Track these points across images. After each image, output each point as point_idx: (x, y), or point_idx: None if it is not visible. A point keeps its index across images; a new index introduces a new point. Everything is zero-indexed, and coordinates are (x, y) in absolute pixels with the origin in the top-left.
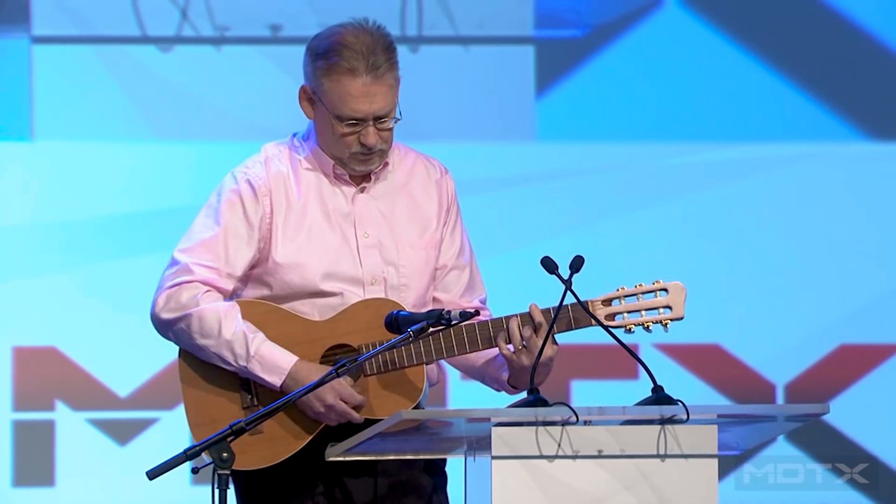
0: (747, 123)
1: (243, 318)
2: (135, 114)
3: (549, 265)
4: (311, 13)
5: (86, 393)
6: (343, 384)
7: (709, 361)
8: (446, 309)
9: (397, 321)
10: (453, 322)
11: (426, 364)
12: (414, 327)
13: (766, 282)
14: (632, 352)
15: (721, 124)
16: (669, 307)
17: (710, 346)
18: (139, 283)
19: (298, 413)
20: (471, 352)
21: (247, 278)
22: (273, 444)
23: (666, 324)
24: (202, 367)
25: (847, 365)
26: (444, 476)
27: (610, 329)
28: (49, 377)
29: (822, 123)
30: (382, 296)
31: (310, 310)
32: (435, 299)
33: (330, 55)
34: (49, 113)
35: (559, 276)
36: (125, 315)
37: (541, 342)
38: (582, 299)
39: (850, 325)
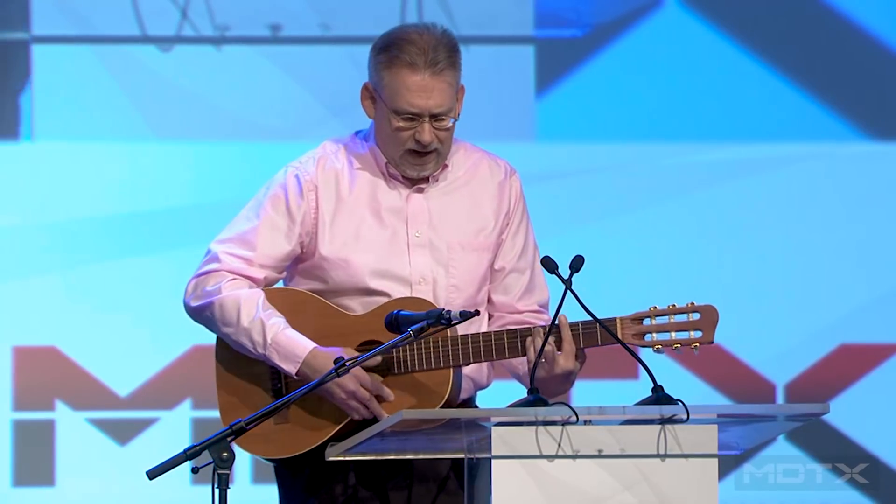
0: (747, 123)
1: (279, 306)
2: (135, 114)
3: (549, 265)
4: (311, 13)
5: (86, 393)
6: (363, 372)
7: (709, 361)
8: (446, 308)
9: (397, 321)
10: (453, 322)
11: (453, 367)
12: (414, 327)
13: (766, 282)
14: (632, 352)
15: (721, 124)
16: (700, 329)
17: (711, 346)
18: (139, 283)
19: (326, 404)
20: (497, 359)
21: (294, 272)
22: (298, 434)
23: (695, 346)
24: (235, 357)
25: (847, 365)
26: None
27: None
28: (49, 377)
29: (822, 123)
30: (430, 296)
31: (356, 306)
32: (492, 301)
33: (391, 49)
34: (49, 113)
35: (559, 276)
36: (125, 315)
37: (563, 355)
38: (611, 314)
39: (850, 325)
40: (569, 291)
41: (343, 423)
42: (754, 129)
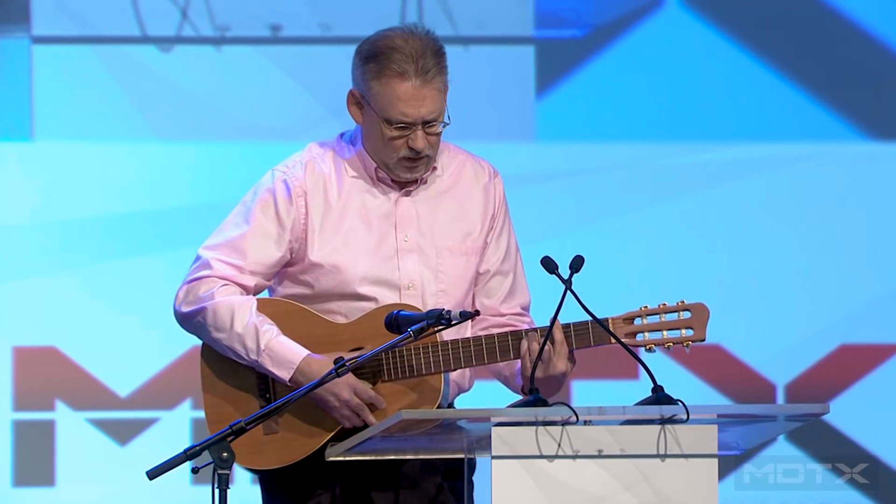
0: (747, 123)
1: (266, 315)
2: (135, 114)
3: (549, 265)
4: (311, 13)
5: (86, 393)
6: (357, 381)
7: (709, 361)
8: (446, 308)
9: (397, 321)
10: (453, 322)
11: (444, 372)
12: (414, 327)
13: (766, 282)
14: (632, 352)
15: (721, 124)
16: (692, 328)
17: (710, 346)
18: (139, 283)
19: (315, 413)
20: (489, 363)
21: (282, 276)
22: (288, 444)
23: (687, 344)
24: (221, 366)
25: (847, 365)
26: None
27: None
28: (49, 377)
29: (822, 123)
30: (419, 300)
31: (343, 311)
32: (474, 305)
33: (380, 58)
34: (49, 113)
35: (559, 276)
36: (125, 315)
37: (556, 357)
38: (602, 315)
39: (850, 325)
40: (569, 292)
41: (334, 433)
42: (754, 129)
